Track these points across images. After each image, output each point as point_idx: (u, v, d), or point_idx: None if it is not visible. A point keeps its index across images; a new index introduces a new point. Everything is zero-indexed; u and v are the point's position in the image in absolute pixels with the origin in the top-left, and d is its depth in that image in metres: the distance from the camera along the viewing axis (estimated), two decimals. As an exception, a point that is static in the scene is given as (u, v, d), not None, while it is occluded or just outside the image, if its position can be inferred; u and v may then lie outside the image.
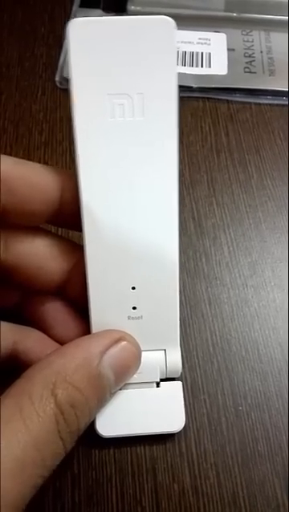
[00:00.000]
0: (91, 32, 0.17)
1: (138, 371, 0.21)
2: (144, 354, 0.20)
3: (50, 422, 0.16)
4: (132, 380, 0.21)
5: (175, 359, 0.21)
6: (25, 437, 0.15)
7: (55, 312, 0.21)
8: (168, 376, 0.21)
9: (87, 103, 0.18)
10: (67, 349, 0.18)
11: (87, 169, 0.18)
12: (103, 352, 0.18)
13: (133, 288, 0.20)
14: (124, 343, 0.19)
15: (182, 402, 0.21)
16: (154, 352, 0.21)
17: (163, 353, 0.21)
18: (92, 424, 0.20)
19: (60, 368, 0.17)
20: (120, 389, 0.21)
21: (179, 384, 0.22)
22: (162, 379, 0.21)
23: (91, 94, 0.18)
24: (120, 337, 0.19)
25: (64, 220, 0.20)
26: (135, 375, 0.21)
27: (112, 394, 0.20)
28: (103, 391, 0.18)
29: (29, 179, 0.18)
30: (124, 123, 0.18)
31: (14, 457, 0.15)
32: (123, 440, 0.21)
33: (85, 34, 0.17)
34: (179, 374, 0.22)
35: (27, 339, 0.21)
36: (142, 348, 0.20)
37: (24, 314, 0.22)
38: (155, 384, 0.21)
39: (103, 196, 0.19)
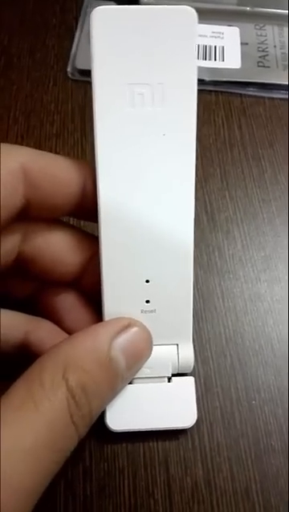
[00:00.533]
0: (114, 20, 0.17)
1: (150, 366, 0.20)
2: (156, 348, 0.20)
3: (61, 405, 0.16)
4: (143, 375, 0.20)
5: (187, 354, 0.21)
6: (37, 421, 0.15)
7: (69, 304, 0.21)
8: (180, 371, 0.21)
9: (108, 91, 0.18)
10: (76, 336, 0.18)
11: (106, 158, 0.18)
12: (113, 337, 0.18)
13: (147, 281, 0.20)
14: (134, 328, 0.19)
15: (194, 397, 0.21)
16: (166, 347, 0.21)
17: (175, 348, 0.21)
18: (103, 417, 0.20)
19: (70, 353, 0.17)
20: (132, 383, 0.21)
21: (191, 379, 0.21)
22: (174, 375, 0.21)
23: (111, 82, 0.18)
24: (130, 323, 0.19)
25: (85, 212, 0.20)
26: (147, 370, 0.20)
27: (125, 381, 0.19)
28: (114, 376, 0.18)
29: (51, 172, 0.18)
30: (143, 113, 0.18)
31: (27, 441, 0.15)
32: (135, 433, 0.21)
33: (108, 23, 0.17)
34: (191, 369, 0.21)
35: (39, 330, 0.20)
36: (154, 342, 0.20)
37: (38, 306, 0.22)
38: (167, 379, 0.21)
39: (120, 186, 0.19)
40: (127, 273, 0.20)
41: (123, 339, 0.18)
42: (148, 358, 0.20)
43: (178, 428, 0.21)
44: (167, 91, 0.18)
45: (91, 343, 0.17)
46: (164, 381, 0.21)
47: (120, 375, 0.18)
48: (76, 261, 0.20)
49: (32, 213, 0.19)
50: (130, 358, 0.18)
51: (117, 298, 0.20)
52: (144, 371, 0.20)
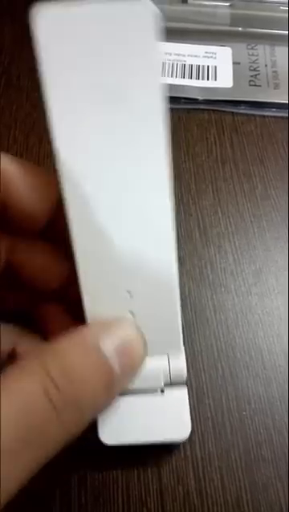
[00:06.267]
0: (61, 20, 0.15)
1: (141, 378, 0.20)
2: (146, 359, 0.19)
3: (36, 385, 0.15)
4: (135, 386, 0.20)
5: (179, 364, 0.20)
6: (4, 397, 0.14)
7: (57, 317, 0.22)
8: (173, 382, 0.21)
9: (63, 99, 0.16)
10: (63, 335, 0.17)
11: (69, 166, 0.17)
12: (103, 332, 0.17)
13: (129, 293, 0.19)
14: (124, 325, 0.18)
15: (188, 409, 0.21)
16: (157, 357, 0.20)
17: (166, 358, 0.20)
18: (96, 430, 0.20)
19: (54, 346, 0.16)
20: (124, 396, 0.20)
21: (184, 390, 0.21)
22: (167, 386, 0.21)
23: (66, 89, 0.16)
24: (119, 320, 0.18)
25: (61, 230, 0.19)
26: (139, 382, 0.20)
27: (120, 383, 0.18)
28: (106, 372, 0.17)
29: (27, 178, 0.18)
30: (105, 120, 0.16)
31: None
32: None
33: (55, 23, 0.15)
34: (184, 379, 0.21)
35: (27, 343, 0.21)
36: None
37: (28, 318, 0.22)
38: (159, 391, 0.21)
39: (88, 196, 0.17)
40: (107, 286, 0.19)
41: (113, 335, 0.17)
42: (142, 359, 0.19)
43: (172, 442, 0.21)
44: (129, 95, 0.16)
45: (77, 338, 0.17)
46: (157, 393, 0.21)
47: (113, 373, 0.17)
48: (63, 271, 0.20)
49: (9, 219, 0.19)
50: (122, 354, 0.17)
51: (99, 313, 0.19)
52: (136, 383, 0.20)
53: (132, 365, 0.18)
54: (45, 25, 0.15)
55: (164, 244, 0.18)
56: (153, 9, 0.15)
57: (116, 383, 0.17)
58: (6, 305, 0.22)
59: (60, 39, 0.15)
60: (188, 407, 0.21)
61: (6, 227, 0.19)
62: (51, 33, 0.15)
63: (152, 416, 0.20)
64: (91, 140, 0.17)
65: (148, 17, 0.15)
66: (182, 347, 0.20)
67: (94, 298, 0.19)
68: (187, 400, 0.21)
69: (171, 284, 0.19)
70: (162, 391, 0.21)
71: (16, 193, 0.18)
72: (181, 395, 0.21)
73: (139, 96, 0.16)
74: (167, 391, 0.21)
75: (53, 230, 0.20)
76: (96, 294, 0.19)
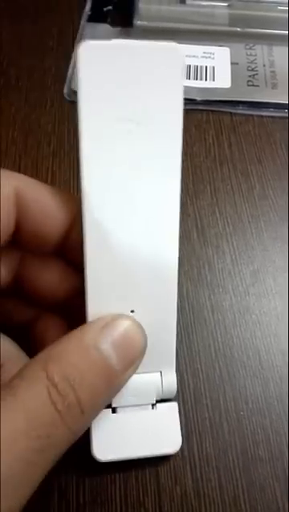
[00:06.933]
0: (100, 55, 0.17)
1: (134, 394, 0.21)
2: (140, 376, 0.20)
3: (41, 394, 0.15)
4: (128, 403, 0.21)
5: (170, 380, 0.21)
6: (15, 410, 0.15)
7: (57, 333, 0.21)
8: (163, 397, 0.21)
9: (94, 127, 0.18)
10: (61, 337, 0.17)
11: (92, 187, 0.18)
12: (101, 330, 0.17)
13: (132, 311, 0.20)
14: (123, 321, 0.18)
15: (178, 423, 0.21)
16: (150, 374, 0.21)
17: (159, 375, 0.21)
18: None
19: (53, 350, 0.17)
20: (116, 412, 0.21)
21: (175, 404, 0.22)
22: (158, 401, 0.21)
23: (98, 119, 0.18)
24: (119, 316, 0.18)
25: (69, 251, 0.20)
26: (132, 398, 0.21)
27: (120, 378, 0.18)
28: (104, 368, 0.17)
29: (43, 201, 0.18)
30: (129, 148, 0.18)
31: (5, 430, 0.14)
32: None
33: (95, 58, 0.17)
34: (174, 395, 0.21)
35: (13, 359, 0.20)
36: (138, 371, 0.19)
37: (30, 334, 0.22)
38: (151, 406, 0.21)
39: (105, 217, 0.19)
40: (112, 303, 0.19)
41: (112, 331, 0.18)
42: (142, 352, 0.19)
43: (164, 455, 0.21)
44: (153, 126, 0.18)
45: (76, 339, 0.17)
46: (148, 408, 0.21)
47: (111, 367, 0.17)
48: (70, 286, 0.21)
49: (21, 241, 0.19)
50: (121, 350, 0.17)
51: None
52: (129, 399, 0.21)
53: (131, 358, 0.18)
54: (86, 57, 0.17)
55: (170, 265, 0.20)
56: (181, 53, 0.18)
57: (116, 378, 0.18)
58: (17, 318, 0.22)
59: (98, 71, 0.17)
60: (178, 420, 0.22)
61: (18, 244, 0.19)
62: (91, 65, 0.17)
63: (144, 430, 0.21)
64: (111, 160, 0.18)
65: (177, 59, 0.18)
66: (174, 364, 0.21)
67: (97, 309, 0.19)
68: (177, 414, 0.22)
69: (171, 305, 0.20)
70: (153, 406, 0.22)
71: (30, 216, 0.18)
72: (171, 409, 0.22)
73: (161, 128, 0.18)
74: (158, 406, 0.22)
75: (65, 247, 0.20)
76: (101, 314, 0.19)
